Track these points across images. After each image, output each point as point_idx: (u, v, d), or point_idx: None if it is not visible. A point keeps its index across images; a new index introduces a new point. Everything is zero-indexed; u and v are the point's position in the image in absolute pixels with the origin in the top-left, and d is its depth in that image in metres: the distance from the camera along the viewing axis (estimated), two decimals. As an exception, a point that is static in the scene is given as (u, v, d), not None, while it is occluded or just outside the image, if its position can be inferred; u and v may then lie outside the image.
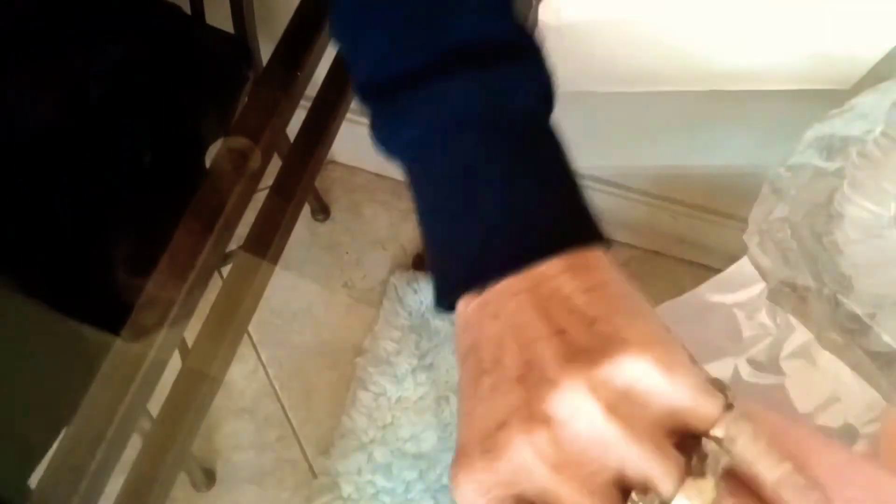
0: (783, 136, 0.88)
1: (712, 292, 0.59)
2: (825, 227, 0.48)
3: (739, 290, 0.57)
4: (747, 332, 0.56)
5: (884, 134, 0.47)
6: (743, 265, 0.56)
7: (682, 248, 1.24)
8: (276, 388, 1.16)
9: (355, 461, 1.08)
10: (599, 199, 1.15)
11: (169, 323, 0.50)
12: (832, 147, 0.50)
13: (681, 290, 1.27)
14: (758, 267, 0.51)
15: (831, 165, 0.49)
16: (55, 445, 0.46)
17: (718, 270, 1.23)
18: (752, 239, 0.51)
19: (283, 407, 1.15)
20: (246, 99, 0.58)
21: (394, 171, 1.30)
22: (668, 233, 1.20)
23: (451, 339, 1.16)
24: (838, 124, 0.51)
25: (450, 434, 1.10)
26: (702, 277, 1.25)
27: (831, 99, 0.70)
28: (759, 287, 0.56)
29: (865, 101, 0.51)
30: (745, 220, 1.10)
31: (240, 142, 0.54)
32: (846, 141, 0.49)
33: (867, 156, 0.47)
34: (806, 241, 0.48)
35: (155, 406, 0.57)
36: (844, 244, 0.46)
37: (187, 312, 0.51)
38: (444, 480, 1.07)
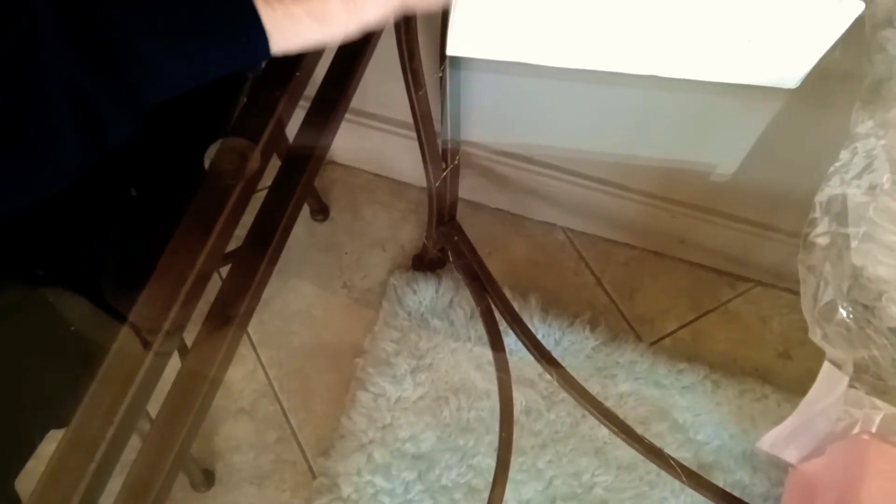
0: (783, 138, 0.88)
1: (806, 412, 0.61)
2: (870, 298, 0.48)
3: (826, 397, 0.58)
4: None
5: (894, 183, 0.48)
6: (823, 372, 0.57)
7: (682, 249, 1.24)
8: (276, 388, 1.16)
9: (355, 462, 1.08)
10: (599, 199, 1.15)
11: (168, 324, 0.49)
12: (846, 209, 0.50)
13: (680, 291, 1.28)
14: (833, 361, 0.52)
15: (855, 230, 0.49)
16: (55, 446, 0.46)
17: (716, 270, 1.24)
18: (815, 335, 0.51)
19: (282, 408, 1.15)
20: (245, 99, 0.58)
21: (393, 171, 1.30)
22: (667, 233, 1.20)
23: (450, 340, 1.16)
24: (843, 181, 0.51)
25: (449, 435, 1.10)
26: (701, 278, 1.25)
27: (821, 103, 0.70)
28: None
29: (860, 146, 0.51)
30: (742, 220, 1.11)
31: (239, 142, 0.54)
32: (858, 201, 0.49)
33: (885, 210, 0.47)
34: (859, 315, 0.49)
35: (154, 407, 0.57)
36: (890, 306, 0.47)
37: (186, 313, 0.51)
38: (444, 481, 1.07)
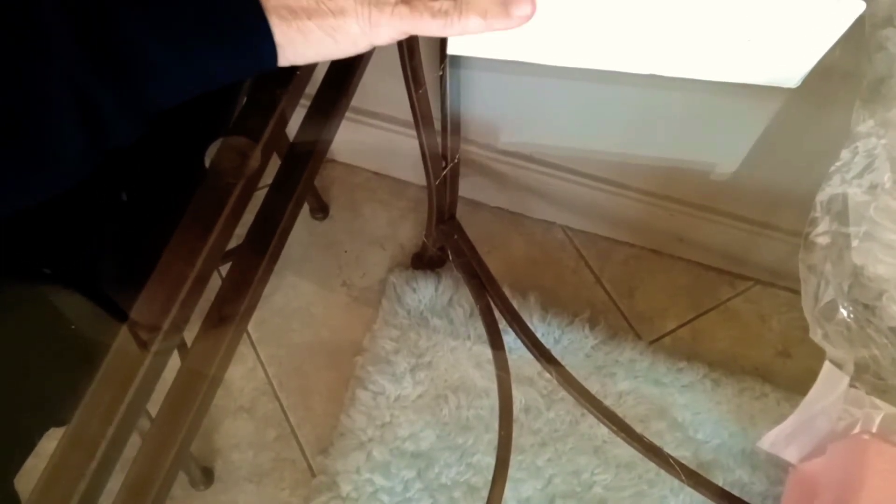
0: (783, 137, 0.89)
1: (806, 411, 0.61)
2: (870, 297, 0.48)
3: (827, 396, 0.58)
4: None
5: (894, 182, 0.48)
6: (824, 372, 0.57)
7: (681, 247, 1.24)
8: (275, 387, 1.16)
9: (354, 460, 1.08)
10: (598, 198, 1.15)
11: (168, 322, 0.49)
12: (847, 208, 0.50)
13: (679, 289, 1.28)
14: (833, 360, 0.52)
15: (855, 229, 0.49)
16: (55, 445, 0.46)
17: (715, 269, 1.24)
18: (816, 334, 0.51)
19: (281, 406, 1.15)
20: (245, 98, 0.58)
21: (393, 169, 1.30)
22: (667, 231, 1.20)
23: (449, 338, 1.16)
24: (844, 180, 0.51)
25: (448, 433, 1.10)
26: (700, 276, 1.25)
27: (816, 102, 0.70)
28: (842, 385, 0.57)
29: (860, 145, 0.52)
30: (742, 219, 1.11)
31: (239, 141, 0.53)
32: (859, 200, 0.49)
33: (886, 209, 0.48)
34: (860, 315, 0.49)
35: (154, 405, 0.57)
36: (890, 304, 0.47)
37: (186, 312, 0.51)
38: (443, 479, 1.07)
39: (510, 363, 0.98)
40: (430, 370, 1.14)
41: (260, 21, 0.42)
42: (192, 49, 0.41)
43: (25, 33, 0.37)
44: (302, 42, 0.44)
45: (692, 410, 1.13)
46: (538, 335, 0.95)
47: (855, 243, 0.49)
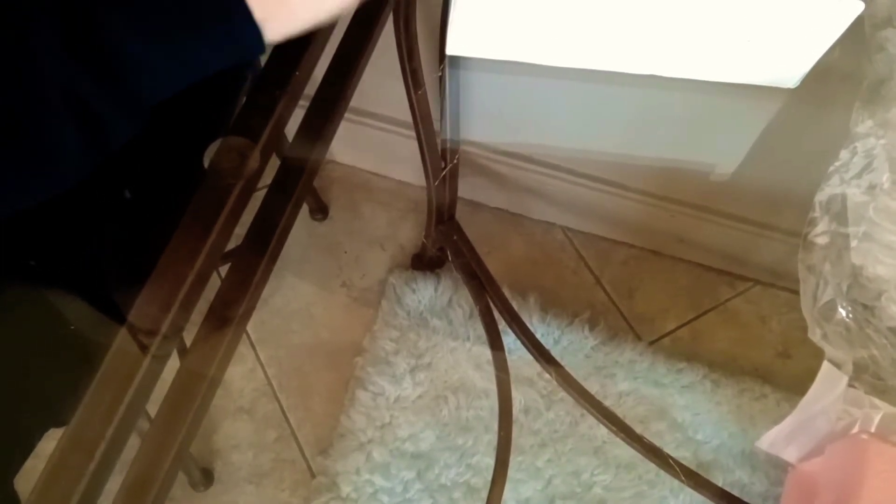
0: (783, 138, 0.89)
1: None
2: (869, 297, 0.48)
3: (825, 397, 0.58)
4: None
5: (893, 182, 0.48)
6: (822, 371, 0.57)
7: (681, 248, 1.24)
8: (275, 387, 1.16)
9: (354, 461, 1.08)
10: (598, 199, 1.15)
11: (167, 323, 0.49)
12: (846, 208, 0.50)
13: (679, 290, 1.28)
14: (832, 360, 0.52)
15: (854, 230, 0.49)
16: (54, 445, 0.46)
17: (715, 269, 1.24)
18: (815, 334, 0.51)
19: (281, 407, 1.15)
20: (244, 99, 0.58)
21: (393, 170, 1.30)
22: (666, 232, 1.20)
23: (449, 339, 1.16)
24: (843, 181, 0.51)
25: (448, 434, 1.10)
26: (700, 277, 1.25)
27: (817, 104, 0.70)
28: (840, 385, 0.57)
29: (859, 146, 0.52)
30: (742, 220, 1.11)
31: (238, 141, 0.53)
32: (857, 201, 0.49)
33: (885, 209, 0.48)
34: (859, 315, 0.49)
35: (153, 406, 0.57)
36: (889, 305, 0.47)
37: (185, 314, 0.51)
38: (443, 480, 1.07)
39: (510, 364, 0.98)
40: (430, 371, 1.14)
41: (238, 3, 0.41)
42: (174, 39, 0.40)
43: (19, 33, 0.37)
44: (285, 12, 0.42)
45: (692, 411, 1.13)
46: (538, 336, 0.95)
47: (854, 243, 0.49)
